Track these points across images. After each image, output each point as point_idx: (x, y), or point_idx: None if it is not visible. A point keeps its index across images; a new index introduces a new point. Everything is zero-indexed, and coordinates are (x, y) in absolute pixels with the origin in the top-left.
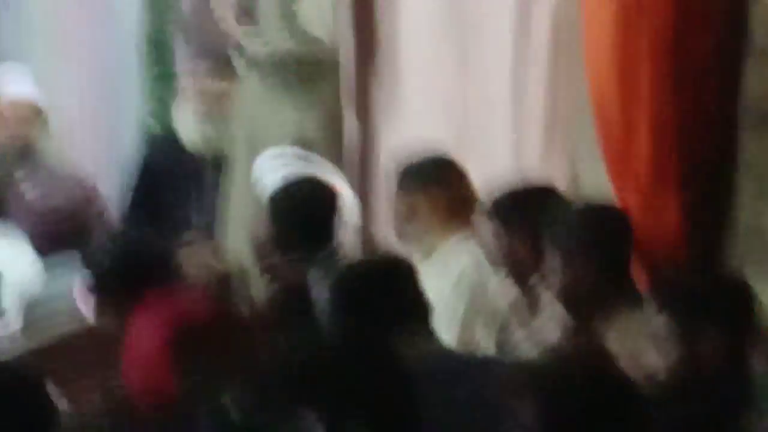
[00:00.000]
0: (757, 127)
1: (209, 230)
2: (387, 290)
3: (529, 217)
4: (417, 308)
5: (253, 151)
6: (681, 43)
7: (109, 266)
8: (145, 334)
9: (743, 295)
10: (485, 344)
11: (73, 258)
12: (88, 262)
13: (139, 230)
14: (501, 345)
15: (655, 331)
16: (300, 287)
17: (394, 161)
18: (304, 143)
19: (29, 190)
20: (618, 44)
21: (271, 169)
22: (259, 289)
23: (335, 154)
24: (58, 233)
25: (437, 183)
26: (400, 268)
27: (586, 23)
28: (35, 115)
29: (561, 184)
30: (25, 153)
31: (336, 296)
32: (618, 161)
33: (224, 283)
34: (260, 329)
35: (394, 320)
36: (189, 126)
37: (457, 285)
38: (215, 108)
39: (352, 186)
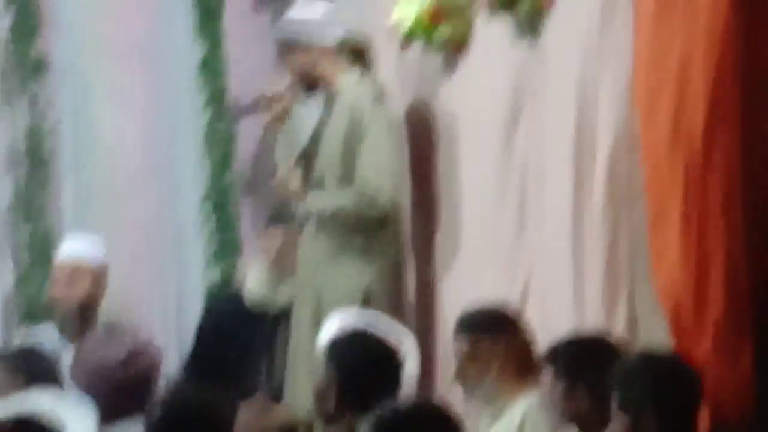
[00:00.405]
0: None
1: (274, 388)
2: None
3: (588, 364)
4: None
5: (317, 308)
6: (749, 194)
7: (162, 416)
8: None
9: None
10: None
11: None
12: (146, 415)
13: (198, 385)
14: None
15: None
16: None
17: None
18: (368, 296)
19: (87, 348)
20: (686, 199)
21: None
22: None
23: (397, 304)
24: (111, 387)
25: (506, 332)
26: (444, 418)
27: (648, 179)
28: (96, 276)
29: (621, 337)
30: (84, 313)
31: None
32: (686, 311)
33: None
34: None
35: None
36: (255, 283)
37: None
38: (282, 265)
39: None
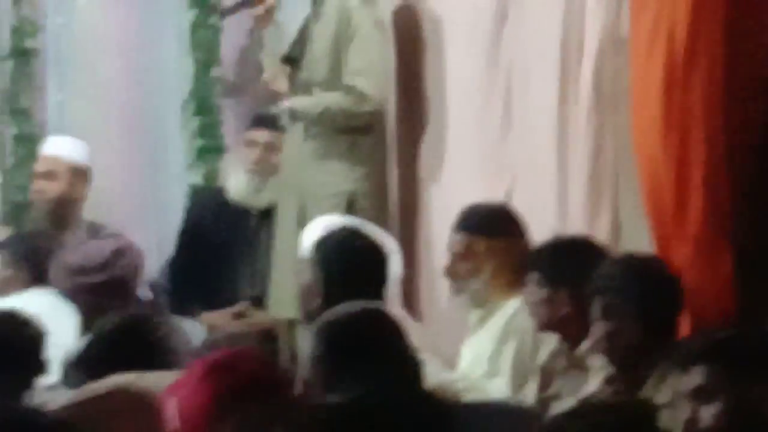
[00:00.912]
0: None
1: (256, 287)
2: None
3: (571, 267)
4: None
5: (300, 209)
6: (733, 97)
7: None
8: (190, 390)
9: None
10: (532, 396)
11: None
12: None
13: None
14: (542, 400)
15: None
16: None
17: (451, 216)
18: (352, 199)
19: (69, 248)
20: (667, 101)
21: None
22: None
23: (381, 207)
24: (91, 288)
25: (505, 234)
26: (383, 321)
27: (633, 80)
28: (71, 172)
29: (604, 242)
30: (63, 209)
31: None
32: (667, 215)
33: (267, 338)
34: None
35: (376, 371)
36: (238, 182)
37: (504, 332)
38: (263, 160)
39: (397, 240)
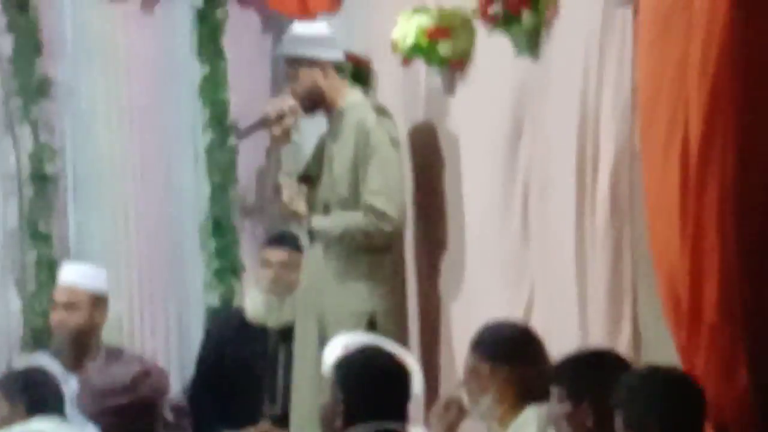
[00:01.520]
0: None
1: (277, 407)
2: None
3: (594, 381)
4: None
5: (320, 327)
6: (746, 203)
7: None
8: None
9: None
10: None
11: None
12: None
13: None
14: None
15: None
16: None
17: (471, 331)
18: (372, 319)
19: (94, 371)
20: (682, 207)
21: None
22: None
23: (401, 324)
24: (118, 410)
25: (509, 362)
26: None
27: (647, 188)
28: (91, 301)
29: (626, 352)
30: (84, 338)
31: None
32: (684, 324)
33: None
34: None
35: None
36: (256, 302)
37: None
38: (279, 279)
39: (418, 357)
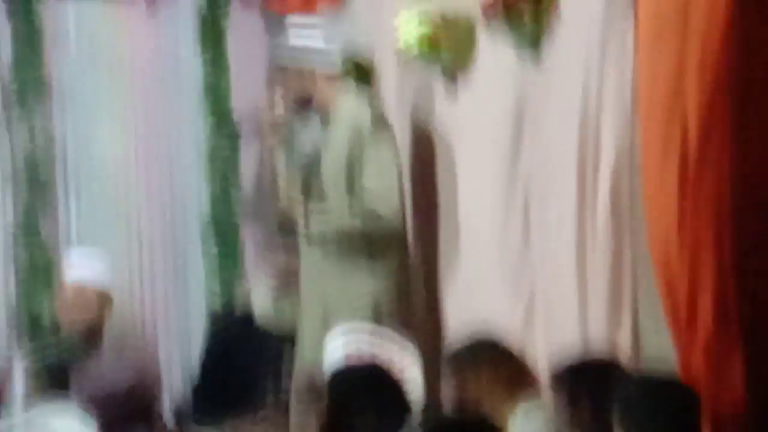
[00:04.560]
0: None
1: (282, 408)
2: None
3: (593, 389)
4: None
5: (326, 325)
6: (742, 200)
7: None
8: None
9: None
10: None
11: None
12: None
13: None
14: None
15: None
16: None
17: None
18: (376, 316)
19: (93, 370)
20: (680, 206)
21: (338, 346)
22: None
23: (406, 323)
24: (117, 410)
25: (486, 365)
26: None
27: (646, 188)
28: (102, 299)
29: (625, 354)
30: (91, 335)
31: None
32: (682, 322)
33: None
34: None
35: None
36: (259, 301)
37: None
38: (283, 283)
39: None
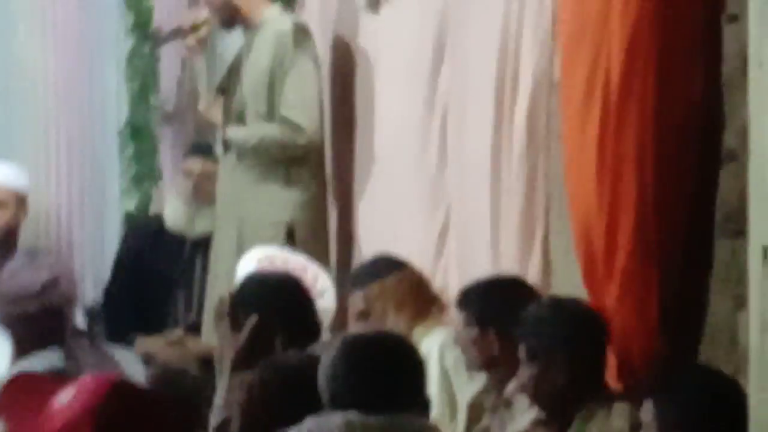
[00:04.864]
0: (725, 231)
1: (191, 316)
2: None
3: (499, 307)
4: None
5: (239, 237)
6: (664, 144)
7: None
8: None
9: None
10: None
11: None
12: None
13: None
14: None
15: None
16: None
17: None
18: (290, 231)
19: (4, 276)
20: (601, 146)
21: (251, 262)
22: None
23: (320, 238)
24: (26, 317)
25: (389, 283)
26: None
27: (567, 124)
28: (16, 201)
29: (536, 281)
30: (5, 238)
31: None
32: (597, 257)
33: (204, 367)
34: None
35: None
36: (174, 209)
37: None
38: (198, 188)
39: (334, 276)
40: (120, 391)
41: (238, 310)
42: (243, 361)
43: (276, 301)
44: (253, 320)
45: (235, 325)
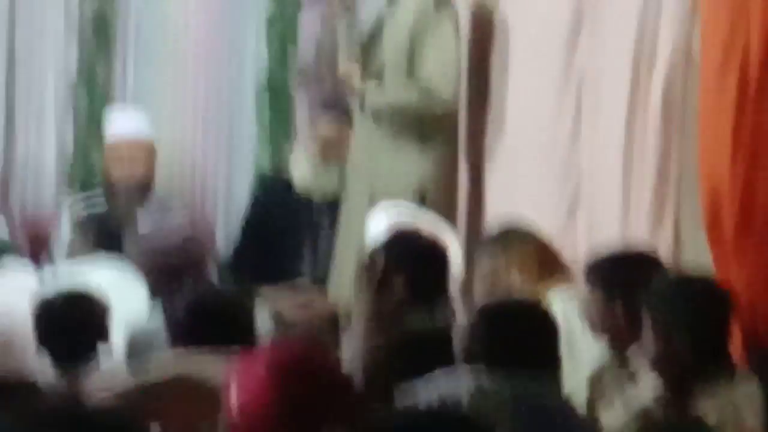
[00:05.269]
0: None
1: (319, 273)
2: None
3: (627, 282)
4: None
5: (370, 198)
6: None
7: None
8: (255, 386)
9: None
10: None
11: None
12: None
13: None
14: (592, 406)
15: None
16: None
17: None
18: (421, 194)
19: (143, 226)
20: (738, 121)
21: (381, 219)
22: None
23: (450, 203)
24: (167, 268)
25: (517, 252)
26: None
27: (703, 97)
28: (149, 153)
29: (666, 254)
30: (142, 191)
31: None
32: (728, 233)
33: (331, 327)
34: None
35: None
36: (303, 170)
37: None
38: (331, 154)
39: (463, 239)
40: (299, 373)
41: (389, 269)
42: (380, 319)
43: (427, 264)
44: (401, 280)
45: (384, 283)
